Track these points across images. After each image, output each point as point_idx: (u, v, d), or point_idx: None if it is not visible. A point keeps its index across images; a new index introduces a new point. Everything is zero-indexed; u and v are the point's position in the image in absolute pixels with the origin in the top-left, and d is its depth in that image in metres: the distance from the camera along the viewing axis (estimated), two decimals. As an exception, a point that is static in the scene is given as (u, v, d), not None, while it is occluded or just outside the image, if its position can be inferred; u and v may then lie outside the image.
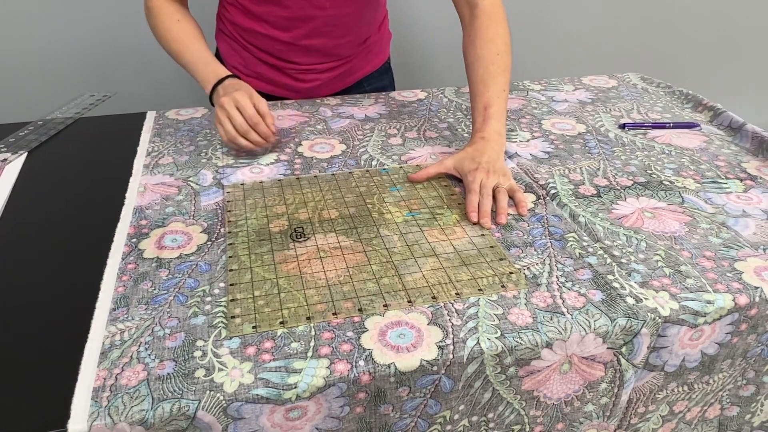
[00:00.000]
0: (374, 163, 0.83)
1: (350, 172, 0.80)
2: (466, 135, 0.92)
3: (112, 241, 0.65)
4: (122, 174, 0.80)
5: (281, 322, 0.53)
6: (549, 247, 0.64)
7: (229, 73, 0.86)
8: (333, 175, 0.80)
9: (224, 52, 1.06)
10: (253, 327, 0.52)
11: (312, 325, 0.53)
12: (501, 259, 0.62)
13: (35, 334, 0.53)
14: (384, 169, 0.81)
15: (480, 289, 0.57)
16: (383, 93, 1.10)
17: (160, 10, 0.91)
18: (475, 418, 0.55)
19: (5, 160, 0.83)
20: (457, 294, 0.57)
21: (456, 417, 0.54)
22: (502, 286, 0.58)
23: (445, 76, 1.70)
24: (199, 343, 0.51)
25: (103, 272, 0.60)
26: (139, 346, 0.50)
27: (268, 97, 1.06)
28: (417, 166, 0.82)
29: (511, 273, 0.60)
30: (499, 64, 0.82)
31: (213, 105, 0.86)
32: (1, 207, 0.72)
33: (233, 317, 0.53)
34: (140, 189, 0.75)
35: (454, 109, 1.03)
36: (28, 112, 1.02)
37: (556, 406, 0.58)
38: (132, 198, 0.74)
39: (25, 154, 0.86)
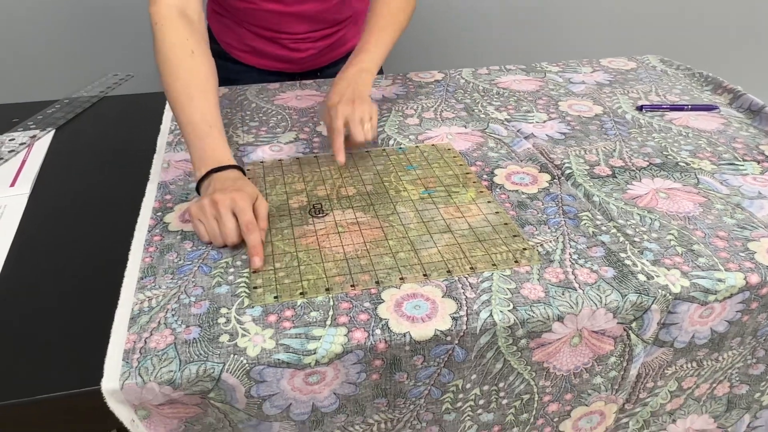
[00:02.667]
0: (391, 142, 0.84)
1: (367, 151, 0.82)
2: (482, 116, 0.93)
3: (138, 214, 0.67)
4: (146, 151, 0.82)
5: (301, 293, 0.55)
6: (563, 226, 0.65)
7: (233, 162, 0.67)
8: (350, 153, 0.81)
9: (217, 30, 1.06)
10: (275, 297, 0.54)
11: (330, 295, 0.55)
12: (515, 236, 0.63)
13: (68, 301, 0.56)
14: (400, 148, 0.83)
15: (494, 264, 0.59)
16: (400, 74, 1.10)
17: (169, 30, 0.71)
18: (486, 388, 0.57)
19: (34, 136, 0.86)
20: (471, 268, 0.58)
21: (468, 386, 0.56)
22: (516, 262, 0.59)
23: (443, 56, 1.70)
24: (223, 310, 0.53)
25: (130, 244, 0.62)
26: (167, 312, 0.53)
27: (266, 72, 1.07)
28: (432, 145, 0.83)
29: (525, 249, 0.61)
30: (397, 24, 0.88)
31: (198, 191, 0.66)
32: (32, 182, 0.75)
33: (255, 287, 0.56)
34: (164, 165, 0.78)
35: (471, 90, 1.03)
36: (55, 90, 1.05)
37: (565, 377, 0.59)
38: (156, 174, 0.76)
39: (53, 131, 0.88)
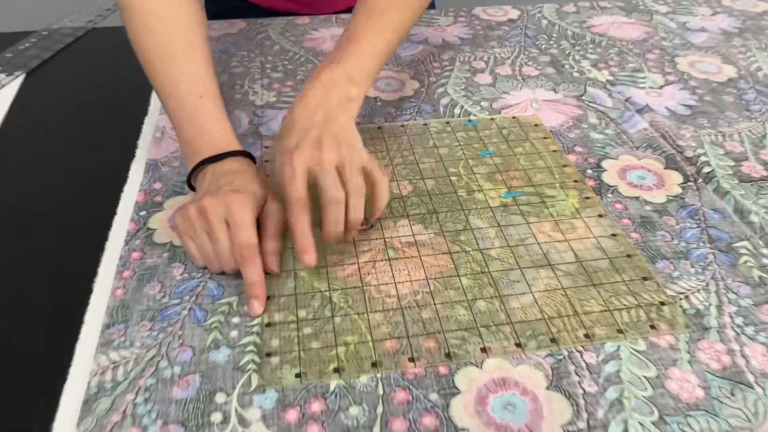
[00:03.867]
0: (457, 111, 0.63)
1: (425, 124, 0.61)
2: (576, 75, 0.70)
3: (114, 213, 0.49)
4: (137, 109, 0.63)
5: (336, 369, 0.37)
6: (712, 262, 0.45)
7: (236, 146, 0.48)
8: (403, 126, 0.60)
9: None
10: (297, 375, 0.37)
11: (379, 375, 0.37)
12: (645, 279, 0.44)
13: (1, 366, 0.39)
14: (470, 121, 0.61)
15: (620, 330, 0.40)
16: (464, 9, 0.86)
17: None
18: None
19: (-3, 83, 0.67)
20: (586, 336, 0.39)
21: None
22: (652, 327, 0.40)
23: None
24: (220, 397, 0.36)
25: (99, 261, 0.45)
26: (137, 393, 0.36)
27: (271, 13, 0.83)
28: (513, 118, 0.62)
29: (663, 304, 0.42)
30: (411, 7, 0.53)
31: (190, 186, 0.49)
32: (-16, 150, 0.57)
33: (269, 354, 0.38)
34: (156, 134, 0.59)
35: (558, 35, 0.79)
36: (29, 19, 0.85)
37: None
38: (145, 147, 0.57)
39: (23, 76, 0.69)
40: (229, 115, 0.61)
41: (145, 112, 0.62)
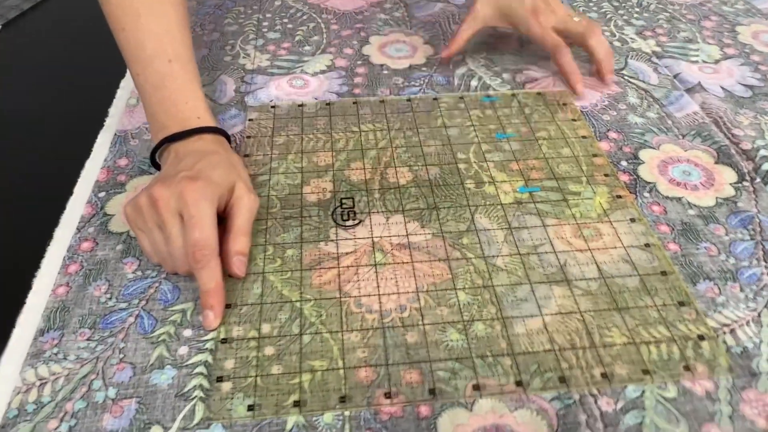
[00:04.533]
0: (474, 83, 0.55)
1: (435, 99, 0.53)
2: (617, 43, 0.60)
3: (71, 192, 0.43)
4: (116, 70, 0.56)
5: (296, 402, 0.31)
6: (767, 285, 0.37)
7: (208, 122, 0.41)
8: (409, 100, 0.53)
9: None
10: (249, 407, 0.31)
11: (347, 414, 0.31)
12: (682, 304, 0.36)
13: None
14: (488, 97, 0.53)
15: (646, 371, 0.33)
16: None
17: None
18: None
19: (-31, 36, 0.61)
20: (603, 376, 0.32)
21: None
22: (686, 368, 0.33)
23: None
24: (156, 431, 0.30)
25: (44, 251, 0.39)
26: (62, 420, 0.30)
27: None
28: (538, 94, 0.54)
29: (702, 338, 0.34)
30: None
31: (154, 165, 0.43)
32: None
33: (220, 379, 0.32)
34: (131, 101, 0.52)
35: (599, -4, 0.69)
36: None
37: None
38: (117, 115, 0.51)
39: (-2, 29, 0.63)
40: (215, 80, 0.55)
41: (122, 74, 0.56)
